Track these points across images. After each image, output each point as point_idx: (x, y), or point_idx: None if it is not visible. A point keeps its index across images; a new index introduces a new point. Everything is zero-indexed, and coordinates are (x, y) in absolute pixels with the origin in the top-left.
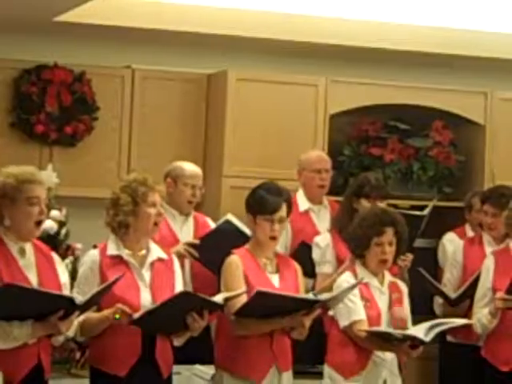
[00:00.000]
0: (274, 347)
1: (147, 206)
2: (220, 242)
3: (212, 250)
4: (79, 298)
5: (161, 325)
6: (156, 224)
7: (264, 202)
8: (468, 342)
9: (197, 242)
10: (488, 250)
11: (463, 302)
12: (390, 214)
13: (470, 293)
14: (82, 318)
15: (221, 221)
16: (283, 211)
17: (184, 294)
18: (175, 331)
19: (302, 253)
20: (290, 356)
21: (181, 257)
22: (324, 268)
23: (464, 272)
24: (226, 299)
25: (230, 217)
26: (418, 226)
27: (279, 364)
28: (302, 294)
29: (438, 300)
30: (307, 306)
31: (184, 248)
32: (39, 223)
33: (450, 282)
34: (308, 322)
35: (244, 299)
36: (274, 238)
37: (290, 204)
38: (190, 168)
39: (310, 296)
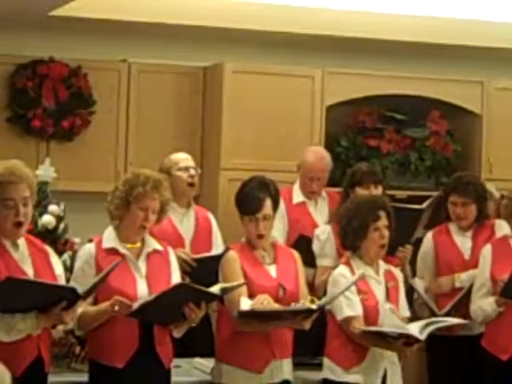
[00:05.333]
0: (273, 338)
1: (137, 208)
2: (213, 269)
3: (204, 273)
4: (80, 288)
5: (158, 316)
6: (144, 228)
7: (247, 201)
8: (449, 333)
9: (193, 263)
10: (456, 238)
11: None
12: (379, 199)
13: (457, 307)
14: (79, 311)
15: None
16: (267, 208)
17: (181, 286)
18: (173, 322)
19: (301, 245)
20: (291, 346)
21: None
22: (324, 261)
23: (436, 262)
24: (223, 290)
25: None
26: (417, 218)
27: (279, 355)
28: (299, 306)
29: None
30: (306, 313)
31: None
32: (18, 224)
33: (424, 273)
34: (308, 324)
35: (243, 292)
36: (260, 236)
37: (277, 198)
38: (178, 155)
39: (306, 305)
